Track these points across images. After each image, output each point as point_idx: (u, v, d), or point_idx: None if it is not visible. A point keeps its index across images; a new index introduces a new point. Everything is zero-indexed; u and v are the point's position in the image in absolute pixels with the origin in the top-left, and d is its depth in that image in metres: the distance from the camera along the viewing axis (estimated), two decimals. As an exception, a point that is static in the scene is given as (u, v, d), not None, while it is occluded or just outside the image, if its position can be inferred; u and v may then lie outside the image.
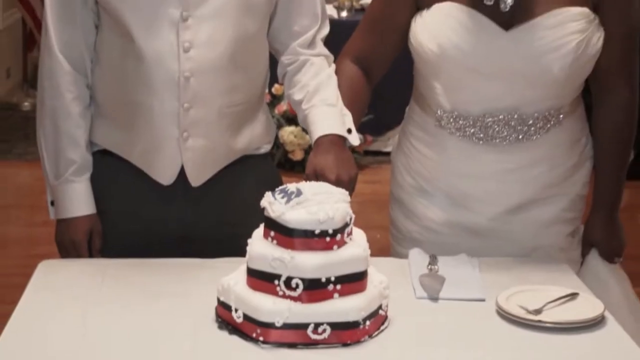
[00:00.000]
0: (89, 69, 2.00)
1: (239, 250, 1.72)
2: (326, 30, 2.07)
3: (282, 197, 1.64)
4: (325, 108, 1.96)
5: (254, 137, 2.05)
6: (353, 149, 2.07)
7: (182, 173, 1.97)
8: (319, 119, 1.95)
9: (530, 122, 1.99)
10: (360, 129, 2.03)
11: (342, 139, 1.94)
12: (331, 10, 5.34)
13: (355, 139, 1.97)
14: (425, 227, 2.08)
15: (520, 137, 1.99)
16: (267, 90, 2.15)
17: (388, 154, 2.32)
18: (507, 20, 1.94)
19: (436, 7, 1.97)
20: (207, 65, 1.91)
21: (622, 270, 2.14)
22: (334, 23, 2.15)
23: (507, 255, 2.02)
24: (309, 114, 1.97)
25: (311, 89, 1.98)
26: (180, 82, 1.91)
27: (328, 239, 1.60)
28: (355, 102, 2.04)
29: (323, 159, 1.89)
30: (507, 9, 1.93)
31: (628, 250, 2.15)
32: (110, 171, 2.02)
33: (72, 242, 2.01)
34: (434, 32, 1.96)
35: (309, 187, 1.67)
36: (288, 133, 5.08)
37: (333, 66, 2.06)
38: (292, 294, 1.59)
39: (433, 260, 1.89)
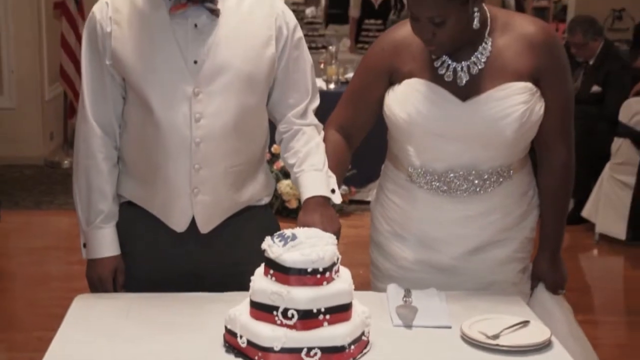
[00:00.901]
0: (117, 133, 2.00)
1: (243, 285, 1.71)
2: (316, 102, 2.07)
3: (280, 241, 1.63)
4: (313, 172, 1.96)
5: (255, 192, 2.04)
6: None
7: (193, 222, 1.96)
8: (307, 183, 1.95)
9: (486, 176, 1.99)
10: (345, 181, 2.04)
11: (327, 199, 1.94)
12: (320, 83, 5.37)
13: (337, 198, 1.97)
14: (400, 266, 2.07)
15: (478, 189, 2.00)
16: (267, 151, 2.15)
17: (369, 202, 2.32)
18: (464, 93, 1.95)
19: (405, 82, 1.99)
20: (215, 133, 1.91)
21: (566, 301, 2.13)
22: (323, 94, 2.15)
23: (468, 289, 2.01)
24: (299, 177, 1.97)
25: (302, 155, 1.99)
26: (192, 146, 1.91)
27: (319, 275, 1.60)
28: (339, 164, 2.04)
29: (310, 217, 1.89)
30: (463, 84, 1.95)
31: (569, 284, 2.14)
32: (134, 219, 2.01)
33: (100, 279, 2.00)
34: (404, 103, 1.97)
35: (302, 232, 1.67)
36: (285, 185, 5.07)
37: (322, 134, 2.06)
38: (288, 322, 1.58)
39: (407, 293, 1.87)
